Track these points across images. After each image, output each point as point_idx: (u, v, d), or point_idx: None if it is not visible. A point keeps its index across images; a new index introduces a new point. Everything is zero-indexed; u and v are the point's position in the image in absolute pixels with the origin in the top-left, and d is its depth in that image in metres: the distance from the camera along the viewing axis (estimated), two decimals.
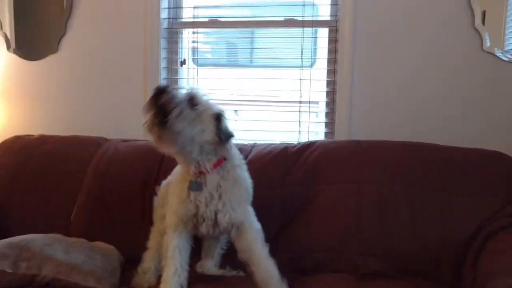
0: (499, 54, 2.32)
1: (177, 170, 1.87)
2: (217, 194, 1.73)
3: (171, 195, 1.82)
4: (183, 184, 1.75)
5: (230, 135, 1.72)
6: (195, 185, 1.73)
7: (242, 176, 1.81)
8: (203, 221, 1.74)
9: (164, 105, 1.56)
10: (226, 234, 1.85)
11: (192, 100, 1.66)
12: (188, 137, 1.62)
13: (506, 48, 2.33)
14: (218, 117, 1.70)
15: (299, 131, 2.63)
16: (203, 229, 1.75)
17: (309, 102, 2.63)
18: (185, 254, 1.79)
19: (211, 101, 1.72)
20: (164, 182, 2.06)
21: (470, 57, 2.35)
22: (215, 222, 1.74)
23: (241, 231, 1.77)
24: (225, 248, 2.07)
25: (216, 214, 1.73)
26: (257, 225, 1.80)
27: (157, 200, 2.07)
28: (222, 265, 2.07)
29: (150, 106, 1.59)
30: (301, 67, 2.62)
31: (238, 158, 1.84)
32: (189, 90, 1.69)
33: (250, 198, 1.86)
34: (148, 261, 1.98)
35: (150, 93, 1.65)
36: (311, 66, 2.67)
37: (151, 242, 2.00)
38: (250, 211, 1.82)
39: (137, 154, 2.35)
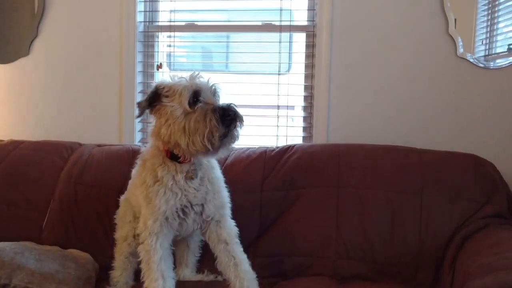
0: (471, 60, 2.38)
1: (138, 174, 1.81)
2: (205, 178, 1.74)
3: (144, 200, 1.72)
4: (170, 178, 1.70)
5: None
6: (196, 173, 1.73)
7: (217, 164, 1.85)
8: (190, 211, 1.72)
9: (233, 120, 1.61)
10: (205, 226, 1.81)
11: None
12: None
13: (476, 52, 2.39)
14: None
15: (277, 136, 2.62)
16: (190, 221, 1.73)
17: (287, 107, 2.63)
18: (170, 263, 1.76)
19: None
20: (123, 198, 2.03)
21: (444, 63, 2.40)
22: (201, 210, 1.74)
23: (220, 225, 1.79)
24: (198, 255, 2.06)
25: (205, 198, 1.73)
26: (232, 222, 1.83)
27: (118, 219, 2.02)
28: (199, 270, 2.04)
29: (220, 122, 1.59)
30: (278, 72, 2.62)
31: None
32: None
33: (223, 181, 1.86)
34: (115, 278, 1.95)
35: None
36: (288, 71, 2.68)
37: (117, 263, 1.96)
38: (229, 204, 1.83)
39: (113, 159, 2.30)
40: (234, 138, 1.64)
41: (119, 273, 1.94)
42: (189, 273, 2.04)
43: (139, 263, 1.76)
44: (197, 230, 1.83)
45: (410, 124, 2.44)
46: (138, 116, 1.71)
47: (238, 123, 1.62)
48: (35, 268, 1.76)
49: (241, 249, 1.80)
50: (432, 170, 2.10)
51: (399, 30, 2.43)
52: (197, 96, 1.63)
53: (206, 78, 1.70)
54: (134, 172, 1.89)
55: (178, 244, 1.99)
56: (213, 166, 1.80)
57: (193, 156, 1.68)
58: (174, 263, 1.96)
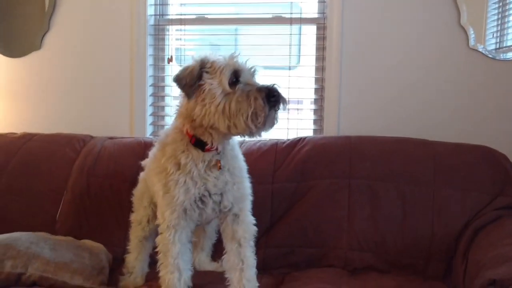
0: (483, 51, 2.36)
1: (156, 159, 1.71)
2: (226, 167, 1.65)
3: (162, 188, 1.64)
4: (193, 166, 1.61)
5: None
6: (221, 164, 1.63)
7: (238, 151, 1.75)
8: (209, 200, 1.63)
9: (277, 101, 1.53)
10: (223, 218, 1.73)
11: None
12: None
13: (487, 45, 2.37)
14: None
15: (287, 129, 2.62)
16: (209, 210, 1.65)
17: (297, 100, 2.63)
18: (188, 256, 1.70)
19: None
20: (142, 176, 1.96)
21: (456, 54, 2.39)
22: (220, 200, 1.65)
23: (238, 220, 1.70)
24: (214, 239, 2.06)
25: (224, 188, 1.64)
26: (252, 219, 1.74)
27: (135, 198, 1.97)
28: (214, 258, 2.05)
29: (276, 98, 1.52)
30: (289, 64, 2.62)
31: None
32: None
33: (247, 171, 1.77)
34: (131, 263, 1.94)
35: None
36: (298, 63, 2.67)
37: (132, 246, 1.95)
38: (250, 198, 1.74)
39: (124, 151, 2.31)
40: (275, 121, 1.55)
41: (134, 257, 1.93)
42: (204, 257, 2.04)
43: (154, 247, 1.74)
44: (216, 219, 1.79)
45: (422, 116, 2.44)
46: (189, 97, 1.54)
47: (281, 105, 1.53)
48: (50, 257, 1.78)
49: (253, 251, 1.71)
50: (444, 162, 2.09)
51: (411, 22, 2.42)
52: (237, 76, 1.53)
53: (244, 59, 1.59)
54: (151, 155, 1.81)
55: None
56: (235, 155, 1.70)
57: (231, 137, 1.61)
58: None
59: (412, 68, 2.44)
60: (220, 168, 1.62)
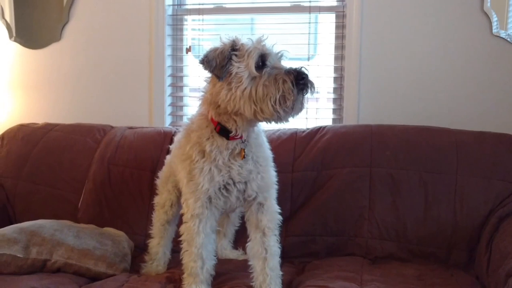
0: (506, 37, 2.31)
1: (181, 146, 1.70)
2: (250, 156, 1.63)
3: (186, 176, 1.63)
4: (218, 153, 1.59)
5: None
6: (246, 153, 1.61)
7: (264, 140, 1.74)
8: (233, 189, 1.62)
9: (306, 85, 1.50)
10: (247, 206, 1.71)
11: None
12: None
13: (511, 32, 2.32)
14: None
15: (306, 118, 2.60)
16: (233, 198, 1.64)
17: (317, 89, 2.59)
18: (212, 247, 1.69)
19: None
20: (168, 159, 1.95)
21: (479, 41, 2.34)
22: (244, 188, 1.63)
23: (262, 209, 1.67)
24: (237, 226, 2.06)
25: (248, 178, 1.62)
26: (277, 208, 1.72)
27: (160, 182, 1.96)
28: (235, 245, 2.06)
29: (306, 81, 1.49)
30: (308, 53, 2.60)
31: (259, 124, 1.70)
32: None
33: (272, 161, 1.75)
34: (154, 248, 1.95)
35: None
36: (315, 52, 2.65)
37: (154, 231, 1.96)
38: (275, 187, 1.72)
39: (144, 141, 2.33)
40: (303, 105, 1.50)
41: (157, 242, 1.93)
42: (226, 244, 2.05)
43: (177, 234, 1.75)
44: (241, 207, 1.78)
45: (443, 103, 2.40)
46: (219, 78, 1.50)
47: (310, 89, 1.49)
48: (74, 244, 1.81)
49: (277, 240, 1.69)
50: (467, 150, 2.06)
51: (432, 8, 2.38)
52: (264, 60, 1.50)
53: (272, 43, 1.55)
54: (176, 140, 1.80)
55: None
56: (260, 144, 1.68)
57: (257, 124, 1.60)
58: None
59: (434, 55, 2.40)
60: (244, 157, 1.60)
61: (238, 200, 1.67)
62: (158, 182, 1.99)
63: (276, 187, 1.73)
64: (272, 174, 1.70)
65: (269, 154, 1.72)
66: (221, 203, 1.65)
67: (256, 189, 1.65)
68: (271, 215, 1.68)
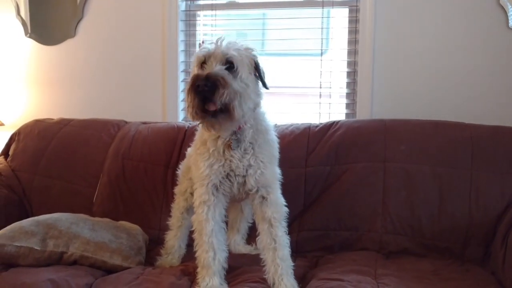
0: None
1: (195, 140, 1.81)
2: (250, 148, 1.68)
3: (194, 164, 1.74)
4: (213, 144, 1.67)
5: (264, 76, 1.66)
6: (235, 143, 1.66)
7: (272, 138, 1.77)
8: (234, 180, 1.68)
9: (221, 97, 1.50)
10: (251, 199, 1.75)
11: (230, 66, 1.56)
12: (247, 110, 1.57)
13: None
14: (256, 65, 1.64)
15: (319, 113, 2.60)
16: (235, 189, 1.70)
17: (330, 84, 2.60)
18: (222, 236, 1.73)
19: (239, 47, 1.60)
20: (189, 151, 1.99)
21: (495, 34, 2.31)
22: (244, 181, 1.68)
23: (266, 202, 1.70)
24: (251, 221, 2.05)
25: (246, 171, 1.67)
26: (282, 201, 1.75)
27: (181, 172, 2.01)
28: (248, 242, 2.07)
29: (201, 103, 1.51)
30: (321, 48, 2.59)
31: (268, 120, 1.77)
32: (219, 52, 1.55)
33: (277, 159, 1.79)
34: (171, 241, 1.97)
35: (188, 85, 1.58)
36: (327, 47, 2.64)
37: (173, 220, 1.99)
38: (278, 183, 1.75)
39: (159, 136, 2.34)
40: (229, 112, 1.51)
41: (174, 234, 1.96)
42: (239, 239, 2.06)
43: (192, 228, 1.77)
44: (247, 199, 1.81)
45: (458, 97, 2.38)
46: None
47: (219, 91, 1.48)
48: (89, 237, 1.83)
49: (285, 231, 1.72)
50: (482, 145, 2.04)
51: (448, 2, 2.36)
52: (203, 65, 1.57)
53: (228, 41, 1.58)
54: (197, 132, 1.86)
55: (232, 208, 1.99)
56: (267, 141, 1.72)
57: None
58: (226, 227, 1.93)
59: (449, 49, 2.38)
60: (231, 148, 1.66)
61: (239, 192, 1.72)
62: (179, 172, 2.04)
63: (278, 183, 1.75)
64: (272, 172, 1.73)
65: (274, 152, 1.77)
66: (227, 188, 1.70)
67: (255, 184, 1.69)
68: (275, 207, 1.71)
